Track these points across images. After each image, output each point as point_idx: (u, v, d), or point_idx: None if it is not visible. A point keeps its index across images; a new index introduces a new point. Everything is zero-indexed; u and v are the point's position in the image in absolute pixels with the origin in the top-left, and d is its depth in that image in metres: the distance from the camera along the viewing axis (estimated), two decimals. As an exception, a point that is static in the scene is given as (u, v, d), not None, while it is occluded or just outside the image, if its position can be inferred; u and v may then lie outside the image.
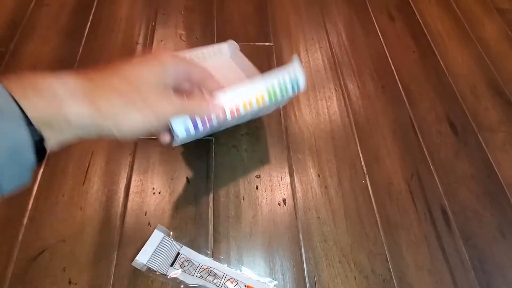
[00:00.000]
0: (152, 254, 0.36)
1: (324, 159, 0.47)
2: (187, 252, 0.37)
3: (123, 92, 0.22)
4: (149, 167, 0.44)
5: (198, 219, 0.40)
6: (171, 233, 0.39)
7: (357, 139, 0.49)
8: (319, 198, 0.43)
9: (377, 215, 0.43)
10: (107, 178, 0.42)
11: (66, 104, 0.19)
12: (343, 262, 0.39)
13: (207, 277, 0.34)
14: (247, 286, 0.35)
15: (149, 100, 0.23)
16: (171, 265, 0.36)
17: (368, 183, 0.45)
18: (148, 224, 0.39)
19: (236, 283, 0.35)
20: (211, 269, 0.35)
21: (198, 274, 0.35)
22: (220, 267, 0.36)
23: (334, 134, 0.49)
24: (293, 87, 0.35)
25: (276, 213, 0.42)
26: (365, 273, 0.39)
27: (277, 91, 0.33)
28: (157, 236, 0.38)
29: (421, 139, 0.50)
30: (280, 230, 0.40)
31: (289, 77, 0.34)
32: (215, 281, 0.34)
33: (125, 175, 0.43)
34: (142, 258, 0.36)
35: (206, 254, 0.36)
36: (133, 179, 0.43)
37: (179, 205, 0.41)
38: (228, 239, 0.39)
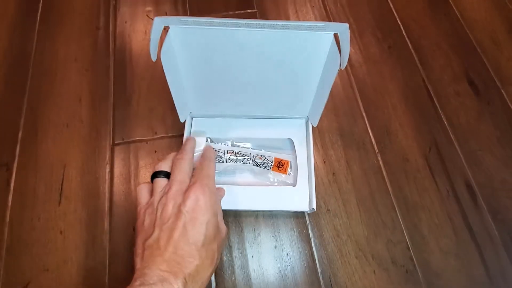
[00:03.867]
0: None
1: (328, 141, 0.41)
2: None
3: (203, 261, 0.25)
4: (130, 175, 0.38)
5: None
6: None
7: (364, 113, 0.43)
8: (327, 188, 0.38)
9: (393, 199, 0.38)
10: (85, 194, 0.37)
11: None
12: (360, 256, 0.35)
13: (237, 159, 0.36)
14: (275, 159, 0.37)
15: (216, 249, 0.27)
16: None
17: (381, 163, 0.40)
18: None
19: (264, 157, 0.36)
20: (237, 151, 0.37)
21: (227, 159, 0.36)
22: (245, 150, 0.37)
23: (337, 111, 0.43)
24: None
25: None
26: (385, 265, 0.35)
27: None
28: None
29: (437, 104, 0.44)
30: (287, 229, 0.36)
31: None
32: (245, 160, 0.36)
33: (106, 187, 0.38)
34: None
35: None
36: (114, 191, 0.38)
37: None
38: (232, 247, 0.35)
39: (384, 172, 0.39)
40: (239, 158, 0.36)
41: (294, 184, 0.35)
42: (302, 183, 0.35)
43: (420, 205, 0.38)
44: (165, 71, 0.28)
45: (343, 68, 0.26)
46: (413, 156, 0.40)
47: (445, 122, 0.43)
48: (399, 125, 0.42)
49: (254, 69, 0.31)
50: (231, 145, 0.37)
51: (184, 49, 0.29)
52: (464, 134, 0.42)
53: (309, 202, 0.34)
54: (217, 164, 0.36)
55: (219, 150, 0.36)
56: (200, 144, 0.36)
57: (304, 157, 0.36)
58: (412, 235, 0.36)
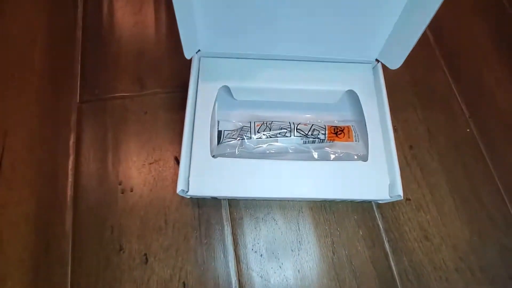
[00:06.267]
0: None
1: (399, 101, 0.28)
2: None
3: None
4: (108, 148, 0.25)
5: (209, 231, 0.23)
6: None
7: (444, 65, 0.30)
8: (404, 167, 0.26)
9: (499, 185, 0.26)
10: (36, 176, 0.24)
11: None
12: (462, 270, 0.23)
13: (270, 134, 0.24)
14: (328, 126, 0.24)
15: None
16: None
17: (475, 132, 0.28)
18: (121, 250, 0.22)
19: (311, 124, 0.24)
20: (269, 121, 0.24)
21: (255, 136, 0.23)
22: (280, 117, 0.25)
23: (408, 62, 0.30)
24: None
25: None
26: (501, 282, 0.23)
27: None
28: None
29: (541, 53, 0.31)
30: (348, 229, 0.24)
31: None
32: (283, 132, 0.24)
33: (69, 167, 0.25)
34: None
35: None
36: (82, 171, 0.24)
37: (170, 207, 0.24)
38: (262, 256, 0.23)
39: (481, 146, 0.27)
40: (273, 131, 0.24)
41: (365, 159, 0.22)
42: (377, 157, 0.22)
43: (539, 192, 0.26)
44: None
45: None
46: (520, 122, 0.28)
47: (556, 77, 0.30)
48: (494, 79, 0.30)
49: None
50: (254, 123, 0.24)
51: None
52: None
53: (389, 185, 0.21)
54: (241, 149, 0.24)
55: (242, 126, 0.24)
56: (211, 96, 0.23)
57: (375, 119, 0.24)
58: (533, 236, 0.24)
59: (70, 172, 0.24)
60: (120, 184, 0.24)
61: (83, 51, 0.28)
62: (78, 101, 0.27)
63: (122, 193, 0.24)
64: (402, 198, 0.21)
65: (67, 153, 0.25)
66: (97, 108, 0.26)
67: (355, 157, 0.23)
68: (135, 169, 0.25)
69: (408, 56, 0.26)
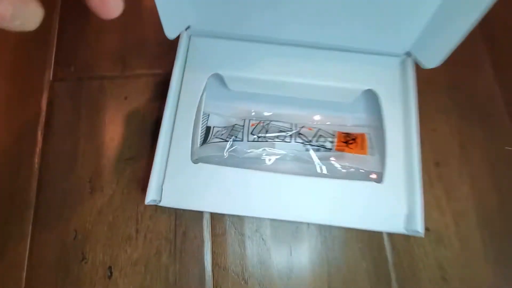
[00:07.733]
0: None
1: (431, 109, 0.23)
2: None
3: None
4: (79, 139, 0.22)
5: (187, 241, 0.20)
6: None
7: (491, 65, 0.25)
8: (427, 190, 0.21)
9: (543, 218, 0.21)
10: (-4, 164, 0.21)
11: None
12: (484, 321, 0.19)
13: (267, 135, 0.20)
14: (338, 132, 0.20)
15: None
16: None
17: (519, 151, 0.22)
18: (83, 260, 0.20)
19: (317, 128, 0.20)
20: (267, 121, 0.20)
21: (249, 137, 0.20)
22: (280, 117, 0.21)
23: (446, 59, 0.25)
24: None
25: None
26: None
27: None
28: None
29: None
30: (350, 260, 0.20)
31: None
32: (281, 136, 0.20)
33: (36, 154, 0.22)
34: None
35: None
36: (49, 164, 0.21)
37: (143, 214, 0.20)
38: None
39: (526, 168, 0.22)
40: (270, 133, 0.19)
41: (379, 179, 0.18)
42: (395, 179, 0.18)
43: None
44: None
45: None
46: None
47: None
48: (552, 87, 0.24)
49: None
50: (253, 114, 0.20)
51: None
52: None
53: (406, 216, 0.17)
54: (230, 153, 0.20)
55: (234, 124, 0.20)
56: (200, 84, 0.19)
57: (398, 128, 0.19)
58: None
59: (37, 161, 0.21)
60: (89, 182, 0.21)
61: (61, 20, 0.25)
62: (51, 78, 0.23)
63: (91, 192, 0.21)
64: (422, 235, 0.17)
65: (34, 138, 0.22)
66: (71, 88, 0.23)
67: (367, 175, 0.19)
68: (109, 165, 0.21)
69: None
